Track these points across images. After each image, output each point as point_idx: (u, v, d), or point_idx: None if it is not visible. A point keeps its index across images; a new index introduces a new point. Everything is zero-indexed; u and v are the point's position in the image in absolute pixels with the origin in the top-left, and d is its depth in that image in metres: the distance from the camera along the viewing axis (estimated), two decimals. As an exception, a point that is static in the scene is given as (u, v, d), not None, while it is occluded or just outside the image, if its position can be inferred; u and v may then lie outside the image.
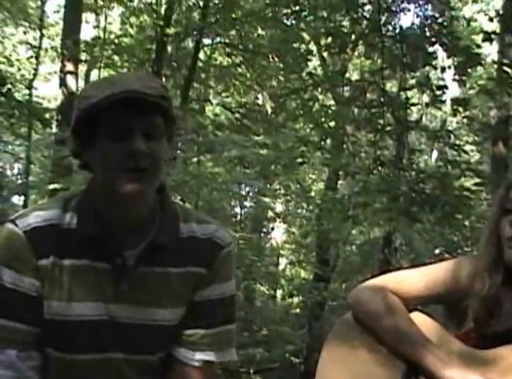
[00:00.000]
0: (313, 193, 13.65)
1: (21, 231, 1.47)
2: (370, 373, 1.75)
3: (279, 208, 13.10)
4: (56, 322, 1.49)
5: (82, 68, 11.30)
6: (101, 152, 1.45)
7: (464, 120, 8.69)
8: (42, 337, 1.50)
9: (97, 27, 12.64)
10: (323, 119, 9.01)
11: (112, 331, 1.50)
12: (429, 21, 7.34)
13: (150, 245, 1.51)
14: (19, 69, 13.03)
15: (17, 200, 12.05)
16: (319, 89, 9.12)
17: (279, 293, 13.71)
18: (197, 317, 1.55)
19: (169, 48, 10.41)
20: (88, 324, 1.49)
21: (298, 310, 12.78)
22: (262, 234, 14.34)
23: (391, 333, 1.76)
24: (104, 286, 1.49)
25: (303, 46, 10.29)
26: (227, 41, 11.25)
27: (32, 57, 12.77)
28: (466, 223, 9.59)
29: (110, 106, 1.41)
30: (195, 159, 9.35)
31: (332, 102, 9.91)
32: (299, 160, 9.03)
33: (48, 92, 13.26)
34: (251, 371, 9.91)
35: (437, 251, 11.73)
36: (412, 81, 7.71)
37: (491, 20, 7.44)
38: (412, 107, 8.12)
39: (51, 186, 7.11)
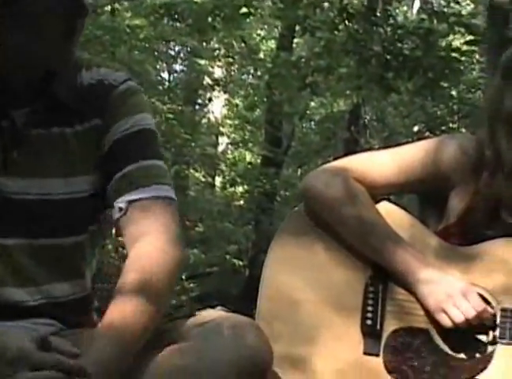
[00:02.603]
0: (262, 55, 13.54)
1: None
2: (328, 278, 1.81)
3: (218, 73, 13.00)
4: None
5: None
6: None
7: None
8: None
9: None
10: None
11: (1, 209, 1.51)
12: None
13: (44, 102, 1.53)
14: None
15: None
16: None
17: (218, 180, 13.87)
18: (111, 162, 1.57)
19: None
20: None
21: (242, 202, 12.99)
22: (197, 107, 14.30)
23: (353, 226, 1.80)
24: None
25: None
26: None
27: None
28: (453, 92, 9.72)
29: None
30: (108, 8, 9.10)
31: None
32: (244, 11, 8.87)
33: None
34: (183, 277, 10.14)
35: (416, 128, 11.93)
36: None
37: None
38: None
39: None
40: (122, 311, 1.39)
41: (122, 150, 1.57)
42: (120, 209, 1.54)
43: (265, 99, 11.52)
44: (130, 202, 1.54)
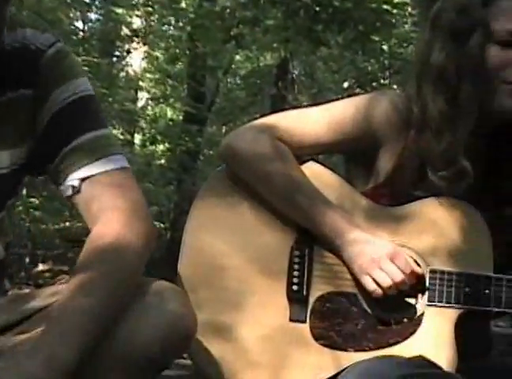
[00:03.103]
0: (183, 4, 13.40)
1: None
2: (253, 241, 1.81)
3: (137, 23, 12.82)
4: None
5: None
6: None
7: None
8: None
9: None
10: None
11: None
12: None
13: None
14: None
15: None
16: None
17: (137, 138, 13.74)
18: (54, 135, 1.53)
19: None
20: None
21: (163, 161, 12.93)
22: (115, 59, 14.09)
23: (278, 184, 1.80)
24: None
25: None
26: None
27: None
28: (385, 47, 9.80)
29: None
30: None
31: None
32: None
33: None
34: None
35: (346, 84, 12.03)
36: None
37: None
38: None
39: None
40: (81, 304, 1.34)
41: (67, 121, 1.53)
42: (73, 187, 1.50)
43: (187, 52, 11.42)
44: (84, 179, 1.50)
